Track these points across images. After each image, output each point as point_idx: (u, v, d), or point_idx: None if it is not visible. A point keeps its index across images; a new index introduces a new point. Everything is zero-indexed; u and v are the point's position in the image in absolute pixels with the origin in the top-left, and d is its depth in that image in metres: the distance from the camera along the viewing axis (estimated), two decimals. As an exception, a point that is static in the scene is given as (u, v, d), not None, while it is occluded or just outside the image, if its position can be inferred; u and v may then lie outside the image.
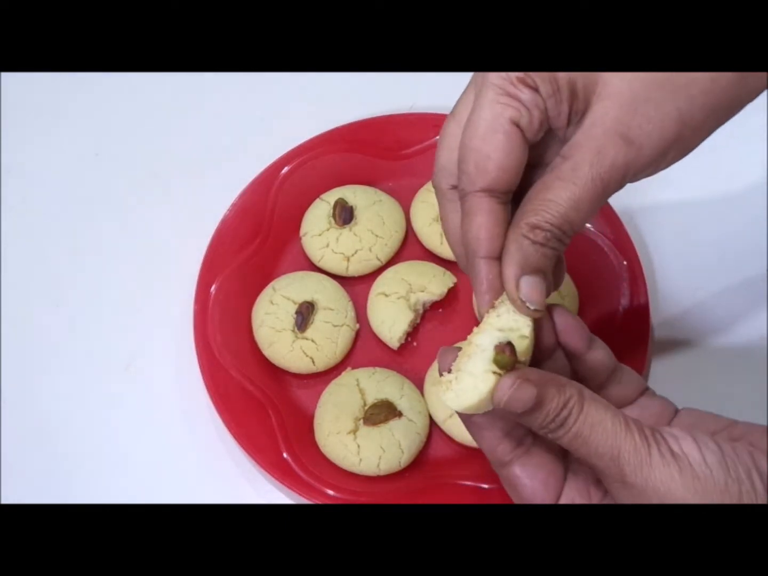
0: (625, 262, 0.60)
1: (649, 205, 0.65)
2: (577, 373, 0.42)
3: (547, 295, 0.39)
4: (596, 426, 0.36)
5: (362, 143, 0.65)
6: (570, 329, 0.41)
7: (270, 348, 0.59)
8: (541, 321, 0.40)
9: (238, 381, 0.57)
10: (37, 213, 0.68)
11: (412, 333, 0.61)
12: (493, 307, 0.40)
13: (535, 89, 0.38)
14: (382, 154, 0.66)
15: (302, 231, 0.64)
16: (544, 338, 0.41)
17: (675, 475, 0.35)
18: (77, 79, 0.69)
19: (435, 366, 0.58)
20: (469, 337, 0.39)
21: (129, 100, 0.72)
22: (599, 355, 0.41)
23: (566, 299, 0.59)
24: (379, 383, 0.57)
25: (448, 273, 0.61)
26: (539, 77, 0.38)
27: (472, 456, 0.56)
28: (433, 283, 0.60)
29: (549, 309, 0.41)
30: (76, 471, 0.58)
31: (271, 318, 0.59)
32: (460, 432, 0.56)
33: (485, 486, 0.54)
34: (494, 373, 0.37)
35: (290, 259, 0.64)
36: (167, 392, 0.60)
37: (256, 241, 0.62)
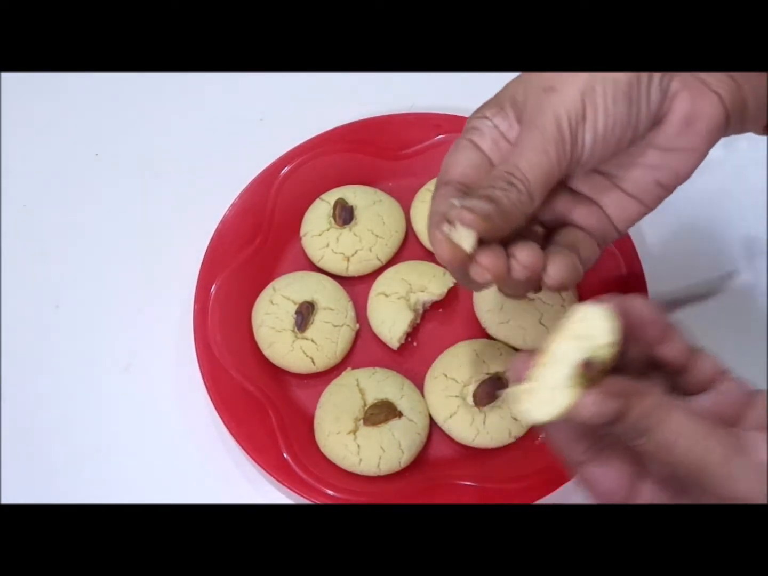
0: (625, 263, 0.60)
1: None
2: (654, 361, 0.41)
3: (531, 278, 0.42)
4: (679, 436, 0.36)
5: (362, 143, 0.65)
6: (648, 323, 0.40)
7: (270, 348, 0.59)
8: (622, 321, 0.38)
9: (238, 381, 0.57)
10: (37, 213, 0.68)
11: (412, 333, 0.61)
12: (572, 314, 0.38)
13: (486, 117, 0.44)
14: (382, 154, 0.66)
15: (302, 231, 0.64)
16: (622, 339, 0.39)
17: (757, 486, 0.36)
18: (77, 79, 0.69)
19: (435, 366, 0.59)
20: (545, 344, 0.38)
21: (129, 100, 0.72)
22: (678, 344, 0.41)
23: (566, 300, 0.59)
24: (379, 383, 0.57)
25: (448, 273, 0.61)
26: (489, 110, 0.44)
27: (472, 456, 0.56)
28: (433, 283, 0.60)
29: (626, 302, 0.40)
30: (76, 471, 0.58)
31: (271, 318, 0.59)
32: (460, 432, 0.56)
33: (485, 486, 0.54)
34: (574, 386, 0.36)
35: (290, 259, 0.64)
36: (167, 392, 0.60)
37: (256, 241, 0.62)
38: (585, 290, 0.60)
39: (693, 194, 0.64)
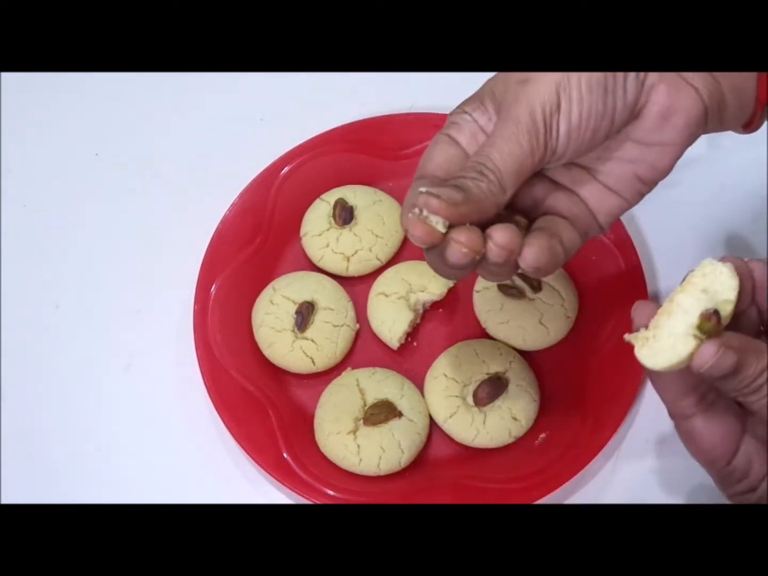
0: (624, 262, 0.60)
1: (649, 205, 0.65)
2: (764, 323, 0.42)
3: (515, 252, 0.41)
4: None
5: (362, 143, 0.65)
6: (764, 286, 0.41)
7: (270, 348, 0.59)
8: (743, 282, 0.40)
9: (238, 381, 0.57)
10: (37, 213, 0.68)
11: (412, 333, 0.61)
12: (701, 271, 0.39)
13: (465, 111, 0.44)
14: (382, 154, 0.65)
15: (302, 231, 0.64)
16: (742, 299, 0.41)
17: None
18: (77, 79, 0.69)
19: (435, 366, 0.58)
20: (671, 294, 0.39)
21: (129, 100, 0.72)
22: None
23: (566, 300, 0.59)
24: (379, 383, 0.57)
25: (448, 273, 0.61)
26: (468, 105, 0.44)
27: (472, 456, 0.56)
28: (433, 283, 0.60)
29: (747, 266, 0.41)
30: (76, 471, 0.58)
31: (271, 318, 0.59)
32: (460, 432, 0.56)
33: (485, 486, 0.54)
34: (695, 336, 0.37)
35: (290, 259, 0.64)
36: (167, 392, 0.60)
37: (256, 241, 0.62)
38: (585, 290, 0.60)
39: (693, 194, 0.64)
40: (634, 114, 0.42)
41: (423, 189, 0.40)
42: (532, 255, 0.41)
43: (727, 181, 0.65)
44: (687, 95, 0.42)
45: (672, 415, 0.43)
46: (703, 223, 0.64)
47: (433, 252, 0.41)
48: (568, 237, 0.44)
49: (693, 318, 0.38)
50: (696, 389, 0.42)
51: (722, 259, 0.40)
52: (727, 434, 0.42)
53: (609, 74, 0.41)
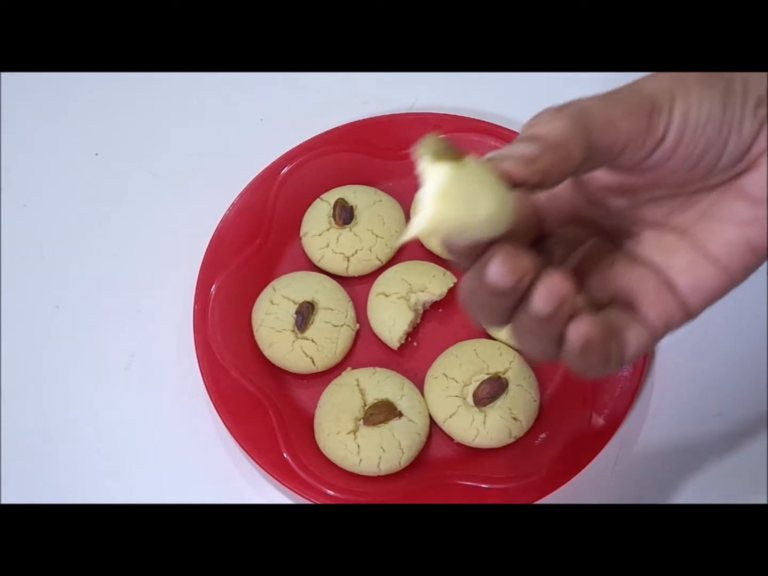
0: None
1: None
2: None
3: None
4: None
5: (362, 143, 0.65)
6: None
7: (270, 348, 0.59)
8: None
9: (238, 381, 0.57)
10: (38, 213, 0.68)
11: (412, 333, 0.61)
12: None
13: None
14: (382, 154, 0.65)
15: (302, 231, 0.64)
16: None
17: None
18: (77, 79, 0.69)
19: (435, 366, 0.58)
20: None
21: (129, 100, 0.72)
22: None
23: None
24: (379, 383, 0.57)
25: (448, 273, 0.61)
26: None
27: (472, 456, 0.56)
28: (433, 283, 0.60)
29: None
30: (76, 471, 0.58)
31: (271, 318, 0.59)
32: (460, 432, 0.56)
33: (485, 486, 0.54)
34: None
35: (290, 259, 0.64)
36: (167, 392, 0.60)
37: (256, 241, 0.62)
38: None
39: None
40: (746, 159, 0.35)
41: (489, 156, 0.33)
42: (582, 327, 0.33)
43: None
44: None
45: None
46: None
47: (475, 270, 0.33)
48: (636, 335, 0.36)
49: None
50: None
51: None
52: None
53: (723, 85, 0.34)
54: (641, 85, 0.34)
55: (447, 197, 0.31)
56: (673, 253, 0.37)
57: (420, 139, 0.31)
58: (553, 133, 0.32)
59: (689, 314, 0.37)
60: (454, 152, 0.32)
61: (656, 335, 0.36)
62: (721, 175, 0.35)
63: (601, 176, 0.37)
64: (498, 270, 0.32)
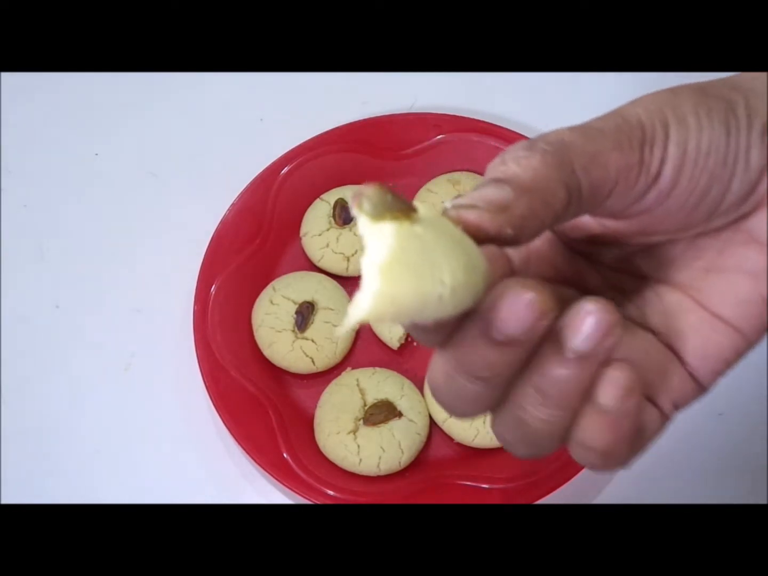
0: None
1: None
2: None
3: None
4: None
5: (362, 143, 0.65)
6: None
7: (270, 348, 0.59)
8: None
9: (238, 381, 0.57)
10: (38, 213, 0.68)
11: (412, 333, 0.61)
12: None
13: None
14: (382, 154, 0.65)
15: (302, 231, 0.64)
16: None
17: None
18: (77, 79, 0.69)
19: (435, 366, 0.58)
20: None
21: (129, 100, 0.72)
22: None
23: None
24: (379, 383, 0.57)
25: (448, 273, 0.61)
26: None
27: (472, 456, 0.56)
28: (433, 283, 0.60)
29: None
30: (76, 471, 0.58)
31: (271, 318, 0.59)
32: (460, 432, 0.56)
33: (485, 486, 0.54)
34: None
35: (290, 259, 0.64)
36: (167, 392, 0.60)
37: (256, 241, 0.62)
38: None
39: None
40: (754, 196, 0.30)
41: (448, 205, 0.27)
42: (616, 382, 0.27)
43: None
44: None
45: None
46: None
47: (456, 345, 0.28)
48: (651, 419, 0.30)
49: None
50: None
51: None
52: None
53: (723, 106, 0.29)
54: (626, 111, 0.29)
55: (396, 268, 0.24)
56: (676, 316, 0.31)
57: (356, 192, 0.25)
58: (527, 172, 0.26)
59: (701, 388, 0.31)
60: (401, 204, 0.25)
61: (665, 417, 0.31)
62: (726, 217, 0.30)
63: (585, 224, 0.32)
64: (516, 312, 0.25)
